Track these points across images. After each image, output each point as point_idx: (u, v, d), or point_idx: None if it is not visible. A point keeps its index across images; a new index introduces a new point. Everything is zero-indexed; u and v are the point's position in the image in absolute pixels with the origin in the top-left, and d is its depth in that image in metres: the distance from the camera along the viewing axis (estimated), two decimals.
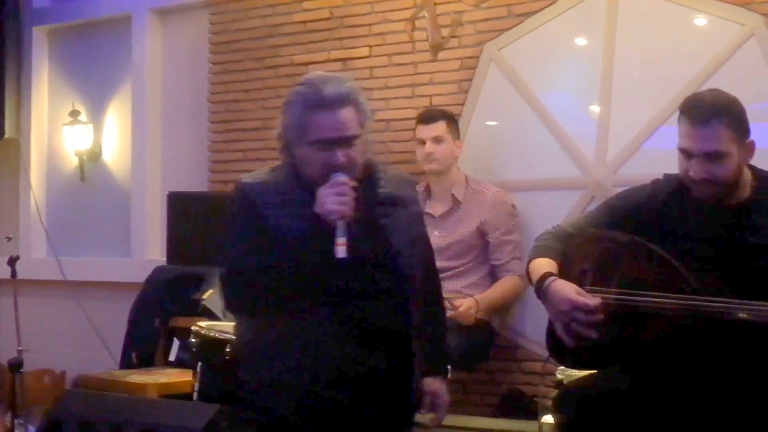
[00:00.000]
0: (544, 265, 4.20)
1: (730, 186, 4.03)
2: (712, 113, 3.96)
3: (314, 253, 3.73)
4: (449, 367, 4.09)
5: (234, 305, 4.04)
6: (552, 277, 4.11)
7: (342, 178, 3.70)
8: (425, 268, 3.97)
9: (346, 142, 3.78)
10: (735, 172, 4.00)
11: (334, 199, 3.65)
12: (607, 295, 4.06)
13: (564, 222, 4.63)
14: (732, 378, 3.91)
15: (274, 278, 3.75)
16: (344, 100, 3.81)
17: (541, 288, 4.14)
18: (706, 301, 3.84)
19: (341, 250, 3.62)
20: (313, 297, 3.78)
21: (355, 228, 3.72)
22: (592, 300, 3.97)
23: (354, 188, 3.69)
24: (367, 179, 3.84)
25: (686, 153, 4.01)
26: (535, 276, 4.19)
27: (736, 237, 4.01)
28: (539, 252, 4.29)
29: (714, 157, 3.95)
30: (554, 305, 4.06)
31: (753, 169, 4.13)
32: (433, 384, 3.95)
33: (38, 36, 9.33)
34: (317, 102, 3.78)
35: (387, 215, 3.81)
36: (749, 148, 4.02)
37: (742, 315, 3.76)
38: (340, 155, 3.75)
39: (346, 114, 3.79)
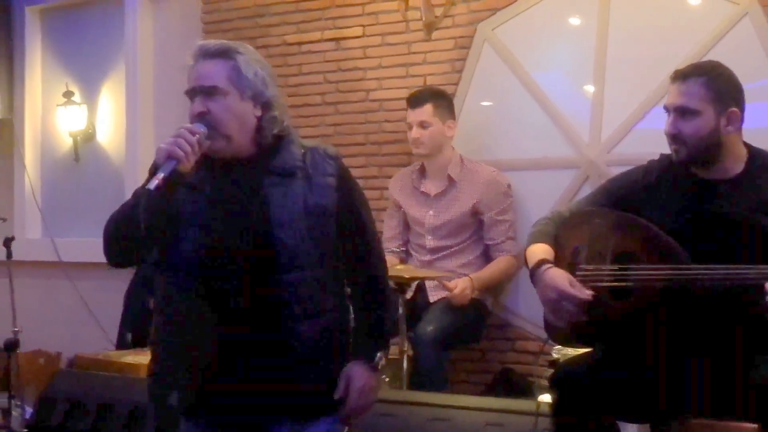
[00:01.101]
0: (540, 251, 4.23)
1: (709, 153, 4.08)
2: (690, 71, 4.11)
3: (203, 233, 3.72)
4: (380, 354, 3.86)
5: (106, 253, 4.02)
6: (547, 265, 4.14)
7: (189, 126, 3.64)
8: (336, 243, 3.81)
9: (203, 91, 3.70)
10: (707, 136, 4.04)
11: (170, 140, 3.57)
12: (598, 271, 4.09)
13: (562, 207, 4.66)
14: (726, 346, 3.95)
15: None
16: (214, 53, 3.75)
17: (535, 274, 4.18)
18: (697, 270, 3.86)
19: (153, 183, 3.50)
20: (185, 271, 3.76)
21: (228, 196, 3.72)
22: (583, 293, 4.00)
23: (197, 140, 3.57)
24: (268, 150, 3.78)
25: (665, 109, 4.14)
26: (531, 261, 4.22)
27: (721, 211, 4.03)
28: (536, 238, 4.31)
29: (684, 111, 4.05)
30: (545, 293, 4.11)
31: (748, 146, 4.16)
32: (351, 368, 3.79)
33: (30, 15, 9.31)
34: (192, 55, 3.77)
35: (273, 185, 3.72)
36: (731, 117, 4.05)
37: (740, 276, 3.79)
38: (197, 103, 3.71)
39: (212, 66, 3.72)
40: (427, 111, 6.30)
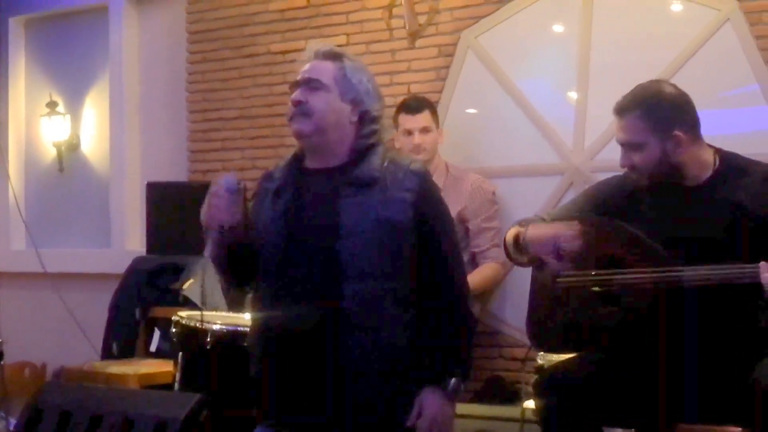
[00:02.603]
0: (515, 229, 4.31)
1: (669, 172, 4.13)
2: (626, 106, 4.16)
3: (273, 243, 3.81)
4: (455, 381, 3.79)
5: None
6: (525, 229, 4.23)
7: (218, 185, 3.73)
8: (406, 259, 3.77)
9: (306, 83, 3.82)
10: (660, 162, 4.10)
11: (205, 206, 3.72)
12: (584, 276, 4.13)
13: (543, 213, 4.68)
14: (710, 342, 4.00)
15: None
16: (326, 55, 3.91)
17: (518, 242, 4.24)
18: (677, 271, 3.92)
19: (207, 251, 3.76)
20: (270, 279, 3.85)
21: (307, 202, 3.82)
22: (571, 229, 4.10)
23: (234, 194, 3.70)
24: (351, 159, 3.83)
25: (618, 142, 4.21)
26: (509, 240, 4.31)
27: (695, 214, 4.09)
28: (513, 226, 4.39)
29: (632, 146, 4.13)
30: (539, 243, 4.16)
31: (717, 151, 4.20)
32: (424, 395, 3.75)
33: (14, 26, 9.32)
34: (305, 58, 3.95)
35: (348, 195, 3.75)
36: (677, 141, 4.07)
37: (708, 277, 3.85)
38: (297, 93, 3.82)
39: (321, 64, 3.87)
40: (426, 117, 6.30)
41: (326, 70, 3.85)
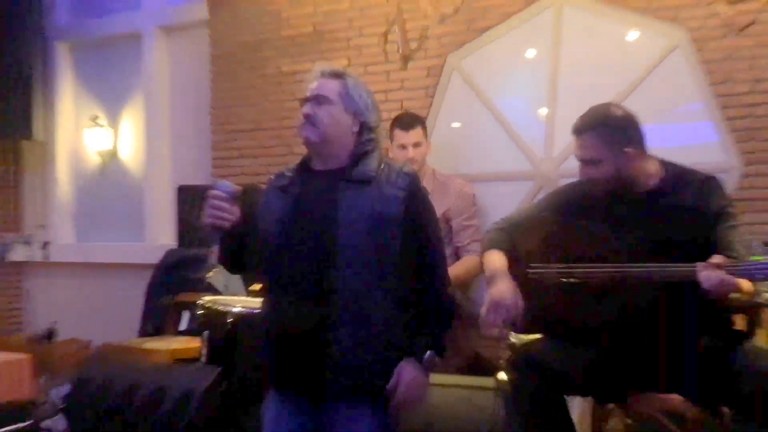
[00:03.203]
0: (495, 259, 4.28)
1: (622, 183, 4.14)
2: (583, 126, 4.17)
3: (278, 232, 3.82)
4: (429, 353, 3.78)
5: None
6: (498, 274, 4.20)
7: (214, 191, 3.77)
8: (395, 249, 3.74)
9: (314, 99, 3.85)
10: (614, 177, 4.12)
11: (207, 211, 3.75)
12: (548, 269, 4.16)
13: (515, 211, 4.70)
14: (650, 328, 4.02)
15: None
16: (330, 74, 3.93)
17: (490, 279, 4.22)
18: (629, 267, 3.95)
19: (213, 257, 3.83)
20: (274, 265, 3.84)
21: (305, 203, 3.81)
22: (514, 309, 4.07)
23: (229, 200, 3.75)
24: (350, 164, 3.84)
25: (577, 159, 4.23)
26: (487, 266, 4.29)
27: (643, 217, 4.10)
28: (491, 245, 4.36)
29: (589, 162, 4.14)
30: (490, 295, 4.15)
31: (662, 162, 4.21)
32: (402, 365, 3.75)
33: (61, 50, 9.33)
34: (312, 77, 3.95)
35: (347, 190, 3.76)
36: (629, 157, 4.09)
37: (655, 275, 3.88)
38: (306, 107, 3.85)
39: (326, 82, 3.89)
40: (418, 132, 6.26)
41: (331, 87, 3.88)
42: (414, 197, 3.84)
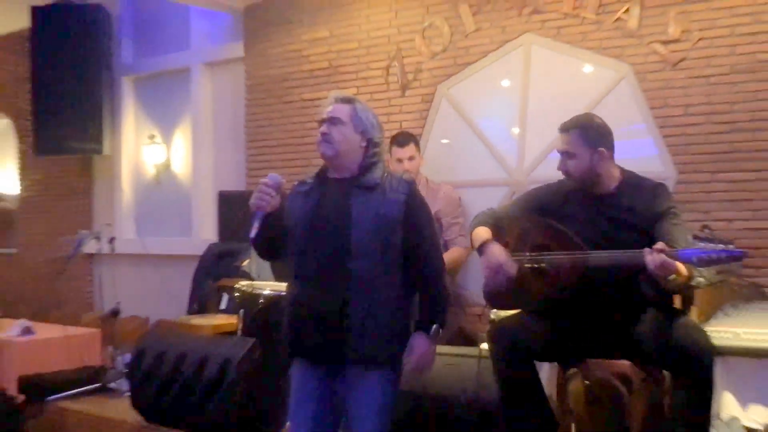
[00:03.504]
0: (483, 232, 4.25)
1: (585, 180, 4.15)
2: (569, 125, 4.17)
3: (302, 229, 3.84)
4: (436, 327, 3.81)
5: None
6: (489, 243, 4.17)
7: (265, 179, 3.83)
8: (397, 244, 3.77)
9: (330, 120, 3.84)
10: (585, 170, 4.12)
11: (255, 195, 3.80)
12: (522, 256, 4.13)
13: (496, 206, 4.68)
14: (609, 304, 4.04)
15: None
16: (342, 99, 3.93)
17: (482, 249, 4.19)
18: (587, 254, 3.94)
19: (253, 232, 3.78)
20: (299, 256, 3.87)
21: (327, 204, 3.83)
22: (512, 269, 4.06)
23: (275, 188, 3.81)
24: (359, 173, 3.85)
25: (558, 152, 4.21)
26: (477, 240, 4.24)
27: (606, 215, 4.10)
28: (479, 222, 4.34)
29: (567, 155, 4.13)
30: (489, 262, 4.12)
31: (622, 170, 4.21)
32: (414, 338, 3.80)
33: (126, 83, 9.33)
34: (328, 101, 3.94)
35: (357, 196, 3.78)
36: (601, 155, 4.10)
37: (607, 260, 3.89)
38: (323, 127, 3.85)
39: (339, 106, 3.88)
40: (412, 148, 6.26)
41: (343, 110, 3.87)
42: (412, 201, 3.84)
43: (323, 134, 3.85)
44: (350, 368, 3.80)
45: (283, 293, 4.07)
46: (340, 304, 3.72)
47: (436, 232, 4.05)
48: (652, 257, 3.64)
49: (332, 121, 3.85)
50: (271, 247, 3.99)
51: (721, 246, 3.64)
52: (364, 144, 3.87)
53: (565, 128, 4.18)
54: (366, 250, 3.73)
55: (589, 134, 4.11)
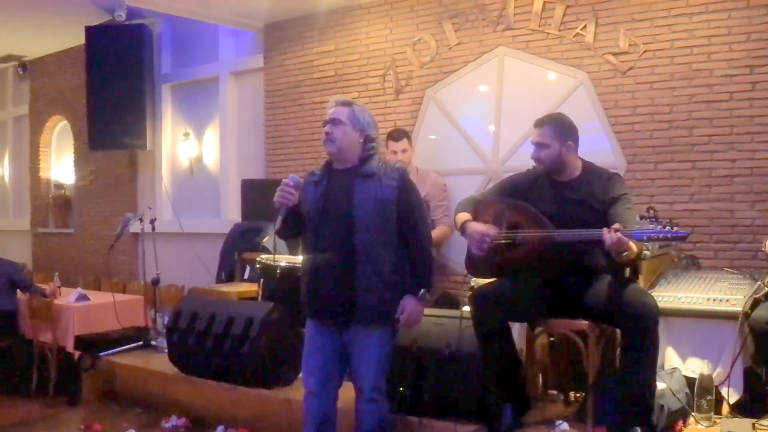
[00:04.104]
0: (463, 215, 4.26)
1: (555, 168, 4.15)
2: (543, 121, 4.19)
3: (315, 212, 3.89)
4: (423, 291, 3.87)
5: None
6: (470, 221, 4.20)
7: (287, 180, 3.88)
8: (392, 221, 3.83)
9: (332, 121, 3.86)
10: (556, 158, 4.12)
11: (278, 193, 3.85)
12: (498, 233, 4.12)
13: (475, 193, 4.67)
14: (565, 274, 4.07)
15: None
16: (342, 102, 3.94)
17: (464, 227, 4.21)
18: (553, 232, 3.95)
19: (278, 225, 3.88)
20: (314, 234, 3.91)
21: (335, 189, 3.88)
22: (493, 231, 4.08)
23: (295, 187, 3.86)
24: (359, 164, 3.87)
25: (532, 143, 4.20)
26: (459, 222, 4.25)
27: (568, 198, 4.10)
28: (461, 209, 4.33)
29: (541, 145, 4.13)
30: (472, 236, 4.14)
31: (583, 161, 4.21)
32: (405, 299, 3.84)
33: (165, 90, 9.27)
34: (330, 104, 3.97)
35: (358, 183, 3.82)
36: (568, 147, 4.12)
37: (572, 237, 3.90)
38: (327, 127, 3.87)
39: (340, 108, 3.90)
40: (404, 143, 6.28)
41: (343, 112, 3.89)
42: (403, 185, 3.89)
43: (327, 134, 3.87)
44: (355, 326, 3.85)
45: (297, 265, 4.13)
46: (347, 271, 3.78)
47: (425, 212, 4.08)
48: (609, 235, 3.63)
49: (334, 122, 3.87)
50: (291, 232, 4.03)
51: (668, 227, 3.62)
52: (361, 140, 3.89)
53: (539, 123, 4.17)
54: (367, 226, 3.78)
55: (559, 129, 4.11)
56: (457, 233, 4.51)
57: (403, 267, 3.87)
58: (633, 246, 3.73)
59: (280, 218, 3.85)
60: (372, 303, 3.80)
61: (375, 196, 3.80)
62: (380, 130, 6.81)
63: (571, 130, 4.15)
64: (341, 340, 3.91)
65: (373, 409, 3.91)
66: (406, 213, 3.86)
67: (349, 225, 3.78)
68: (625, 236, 3.62)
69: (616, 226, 3.65)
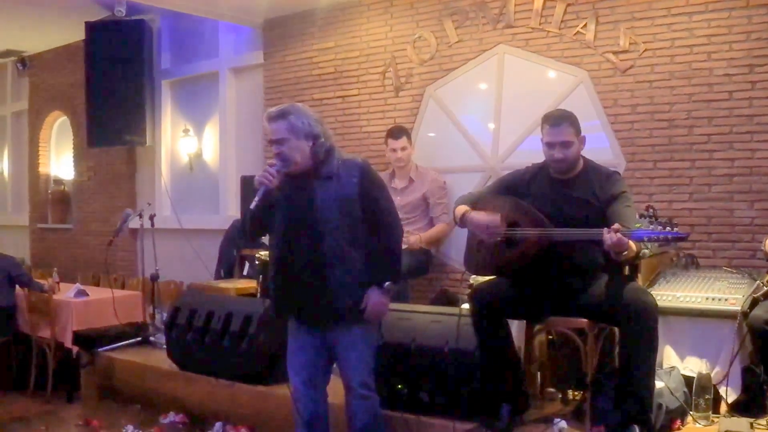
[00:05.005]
0: (463, 207, 4.25)
1: (575, 165, 4.10)
2: (559, 119, 4.09)
3: (281, 217, 3.87)
4: (388, 283, 3.82)
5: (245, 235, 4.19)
6: (469, 212, 4.19)
7: (270, 162, 3.79)
8: (358, 218, 3.80)
9: (276, 142, 3.78)
10: (577, 155, 4.09)
11: (261, 174, 3.74)
12: (501, 221, 4.11)
13: (474, 190, 4.67)
14: (564, 273, 4.03)
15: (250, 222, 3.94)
16: (276, 116, 3.82)
17: (464, 218, 4.20)
18: (553, 231, 3.93)
19: (253, 203, 3.73)
20: (282, 234, 3.88)
21: (296, 193, 3.83)
22: (497, 219, 4.07)
23: (276, 172, 3.73)
24: (317, 165, 3.81)
25: (550, 144, 4.08)
26: (459, 214, 4.25)
27: (567, 196, 4.07)
28: (459, 203, 4.32)
29: (566, 144, 4.04)
30: (476, 226, 4.14)
31: (584, 158, 4.18)
32: (370, 291, 3.80)
33: (164, 86, 9.26)
34: (265, 119, 3.87)
35: (318, 185, 3.78)
36: (582, 141, 4.10)
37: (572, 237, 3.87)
38: (275, 148, 3.80)
39: (276, 125, 3.79)
40: (404, 140, 6.30)
41: (281, 129, 3.78)
42: (365, 180, 3.84)
43: (276, 155, 3.79)
44: (332, 324, 3.85)
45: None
46: (320, 274, 3.75)
47: (391, 204, 4.01)
48: (609, 236, 3.62)
49: (277, 142, 3.79)
50: (261, 222, 3.94)
51: (668, 228, 3.61)
52: (311, 143, 3.80)
53: (557, 121, 4.08)
54: (332, 228, 3.75)
55: (576, 124, 4.08)
56: (456, 230, 4.50)
57: (372, 261, 3.83)
58: (632, 245, 3.75)
59: (257, 198, 3.74)
60: (348, 304, 3.77)
61: (337, 196, 3.77)
62: (380, 128, 6.94)
63: (579, 123, 4.13)
64: (324, 339, 3.90)
65: (364, 405, 3.90)
66: (371, 207, 3.82)
67: (315, 229, 3.75)
68: (625, 236, 3.62)
69: (616, 226, 3.64)
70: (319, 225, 3.74)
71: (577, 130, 4.06)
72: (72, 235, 10.50)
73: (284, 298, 3.90)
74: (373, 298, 3.81)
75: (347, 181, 3.79)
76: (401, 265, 4.01)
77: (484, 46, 6.55)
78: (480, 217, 4.12)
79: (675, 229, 3.64)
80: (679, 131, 5.58)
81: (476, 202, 4.28)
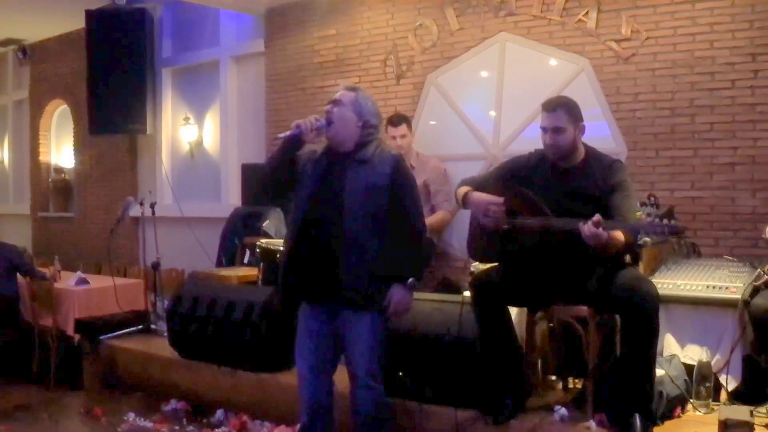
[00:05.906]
0: (465, 188, 4.26)
1: (569, 152, 4.06)
2: (555, 104, 4.07)
3: (307, 192, 3.89)
4: (411, 279, 3.85)
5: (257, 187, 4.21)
6: (470, 192, 4.20)
7: (314, 116, 3.86)
8: (383, 208, 3.80)
9: (334, 102, 3.88)
10: (571, 142, 4.04)
11: (303, 120, 3.82)
12: (502, 203, 4.10)
13: (476, 175, 4.67)
14: (565, 261, 3.99)
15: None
16: (350, 88, 3.96)
17: (466, 199, 4.21)
18: (552, 220, 3.89)
19: (281, 135, 3.89)
20: (301, 213, 3.90)
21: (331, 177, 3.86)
22: (499, 200, 4.07)
23: (315, 122, 3.81)
24: (355, 150, 3.86)
25: (543, 129, 4.07)
26: (461, 195, 4.25)
27: (569, 185, 4.04)
28: (461, 185, 4.33)
29: (558, 130, 4.01)
30: (478, 205, 4.14)
31: (586, 146, 4.14)
32: (393, 288, 3.82)
33: (165, 74, 9.27)
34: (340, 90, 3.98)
35: (351, 169, 3.82)
36: (581, 129, 4.05)
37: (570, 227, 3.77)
38: (329, 107, 3.89)
39: (345, 93, 3.91)
40: (404, 128, 6.26)
41: (346, 95, 3.90)
42: (397, 172, 3.87)
43: (326, 112, 3.88)
44: (344, 311, 3.85)
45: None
46: (334, 255, 3.76)
47: (418, 200, 4.04)
48: (585, 228, 3.62)
49: (335, 102, 3.89)
50: (280, 176, 3.97)
51: (665, 220, 3.57)
52: (360, 125, 3.87)
53: (552, 107, 4.06)
54: (356, 213, 3.76)
55: (573, 111, 4.04)
56: (458, 218, 4.49)
57: (392, 254, 3.82)
58: (620, 236, 3.71)
59: (287, 133, 3.84)
60: (357, 288, 3.77)
61: (367, 183, 3.79)
62: (384, 114, 6.87)
63: (579, 112, 4.09)
64: (333, 325, 3.90)
65: (369, 395, 3.90)
66: (398, 200, 3.83)
67: (339, 210, 3.77)
68: (617, 228, 3.63)
69: (596, 218, 3.60)
70: (343, 208, 3.77)
71: (574, 118, 4.01)
72: (73, 223, 10.53)
73: (295, 277, 3.90)
74: (396, 294, 3.83)
75: (380, 170, 3.82)
76: (426, 264, 4.04)
77: (486, 34, 6.54)
78: (482, 197, 4.13)
79: (672, 222, 3.59)
80: (681, 120, 5.58)
81: (477, 187, 4.27)
